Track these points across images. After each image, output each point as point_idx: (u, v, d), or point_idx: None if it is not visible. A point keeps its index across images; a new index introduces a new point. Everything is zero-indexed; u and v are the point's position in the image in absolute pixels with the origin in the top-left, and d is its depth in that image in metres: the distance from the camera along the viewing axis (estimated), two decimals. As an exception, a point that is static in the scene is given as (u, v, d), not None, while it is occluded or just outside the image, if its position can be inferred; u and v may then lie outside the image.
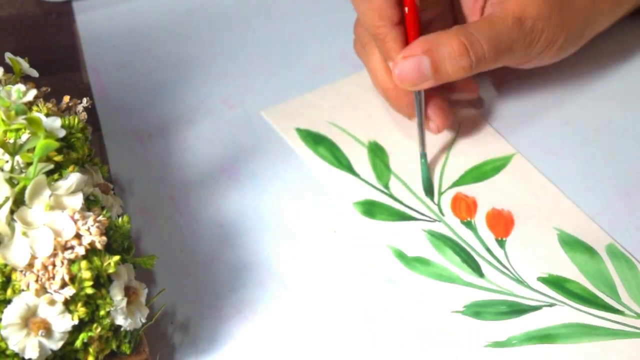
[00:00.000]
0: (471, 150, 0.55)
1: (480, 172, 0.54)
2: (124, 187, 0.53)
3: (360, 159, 0.55)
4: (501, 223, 0.51)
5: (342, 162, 0.54)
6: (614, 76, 0.61)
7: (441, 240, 0.50)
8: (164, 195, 0.53)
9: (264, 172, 0.54)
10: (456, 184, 0.53)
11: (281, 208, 0.52)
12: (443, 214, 0.51)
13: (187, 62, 0.62)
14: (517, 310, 0.46)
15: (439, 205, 0.52)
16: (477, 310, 0.47)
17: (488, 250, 0.49)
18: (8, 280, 0.38)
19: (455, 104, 0.58)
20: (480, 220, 0.51)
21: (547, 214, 0.51)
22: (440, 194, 0.53)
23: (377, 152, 0.55)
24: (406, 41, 0.51)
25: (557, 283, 0.48)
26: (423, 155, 0.54)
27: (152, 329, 0.45)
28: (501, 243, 0.50)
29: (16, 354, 0.38)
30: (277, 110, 0.58)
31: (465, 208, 0.52)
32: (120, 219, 0.42)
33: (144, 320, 0.41)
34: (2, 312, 0.38)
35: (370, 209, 0.52)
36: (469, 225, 0.51)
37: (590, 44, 0.61)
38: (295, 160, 0.55)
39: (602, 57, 0.62)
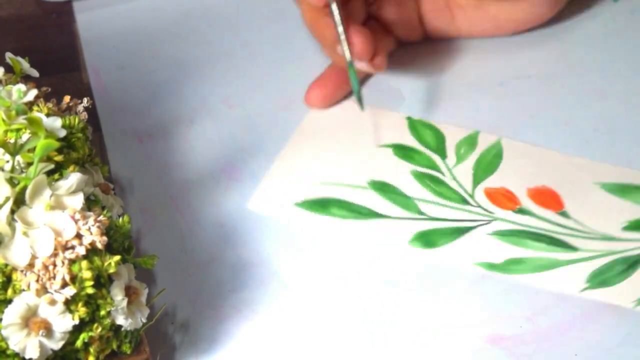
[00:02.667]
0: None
1: (486, 165, 0.53)
2: (125, 187, 0.53)
3: (377, 201, 0.52)
4: (548, 198, 0.50)
5: (362, 212, 0.51)
6: (614, 76, 0.61)
7: (513, 235, 0.48)
8: (164, 195, 0.53)
9: (264, 172, 0.54)
10: (476, 182, 0.52)
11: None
12: (492, 212, 0.50)
13: (187, 62, 0.62)
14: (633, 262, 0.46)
15: (480, 206, 0.51)
16: (602, 271, 0.47)
17: (559, 225, 0.48)
18: (8, 280, 0.38)
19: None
20: (528, 203, 0.50)
21: (579, 176, 0.51)
22: (472, 196, 0.51)
23: (384, 188, 0.52)
24: None
25: None
26: (350, 64, 0.53)
27: (152, 328, 0.45)
28: (565, 214, 0.49)
29: (17, 354, 0.38)
30: (260, 196, 0.52)
31: (506, 198, 0.50)
32: (120, 219, 0.42)
33: (144, 320, 0.41)
34: (2, 312, 0.38)
35: (428, 239, 0.49)
36: (523, 212, 0.50)
37: (591, 44, 0.61)
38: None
39: (602, 57, 0.62)
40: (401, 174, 0.53)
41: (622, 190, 0.50)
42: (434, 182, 0.52)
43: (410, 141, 0.55)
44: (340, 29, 0.52)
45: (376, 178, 0.53)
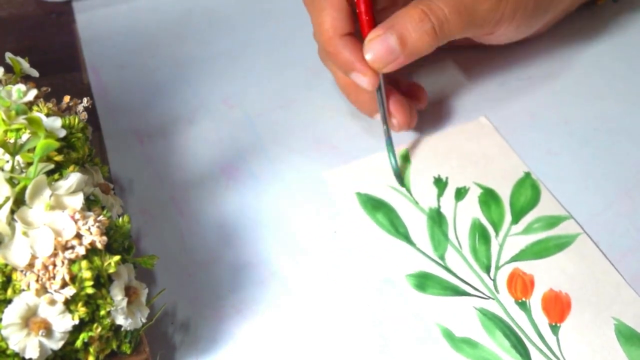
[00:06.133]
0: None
1: (542, 248, 0.51)
2: (124, 187, 0.53)
3: (418, 227, 0.52)
4: (557, 307, 0.48)
5: (399, 230, 0.52)
6: (614, 76, 0.61)
7: (492, 320, 0.47)
8: (164, 195, 0.53)
9: (264, 172, 0.54)
10: (515, 258, 0.50)
11: (281, 208, 0.52)
12: (498, 291, 0.49)
13: (187, 62, 0.62)
14: None
15: (494, 280, 0.49)
16: None
17: (540, 335, 0.47)
18: (8, 280, 0.38)
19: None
20: (535, 301, 0.48)
21: (606, 302, 0.48)
22: (498, 268, 0.50)
23: (436, 220, 0.52)
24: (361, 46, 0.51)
25: None
26: (388, 140, 0.53)
27: (152, 328, 0.45)
28: (555, 329, 0.47)
29: (16, 354, 0.38)
30: (339, 172, 0.55)
31: (521, 286, 0.49)
32: (120, 219, 0.42)
33: (144, 320, 0.41)
34: (2, 312, 0.38)
35: (423, 282, 0.49)
36: (523, 306, 0.48)
37: (591, 44, 0.61)
38: (294, 161, 0.55)
39: (602, 57, 0.62)
40: (463, 216, 0.53)
41: (629, 338, 0.46)
42: (482, 239, 0.51)
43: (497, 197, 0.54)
44: (383, 111, 0.53)
45: (436, 207, 0.53)
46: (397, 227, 0.52)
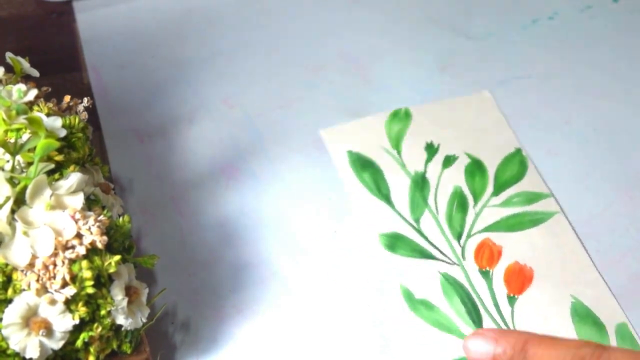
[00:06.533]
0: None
1: (517, 222, 0.52)
2: (125, 187, 0.53)
3: (400, 189, 0.53)
4: (519, 279, 0.49)
5: (382, 190, 0.53)
6: (614, 76, 0.61)
7: (453, 286, 0.48)
8: (164, 195, 0.53)
9: (264, 172, 0.54)
10: (488, 228, 0.51)
11: (281, 208, 0.52)
12: (464, 259, 0.50)
13: (187, 62, 0.62)
14: None
15: (463, 248, 0.50)
16: None
17: (496, 305, 0.48)
18: (9, 279, 0.38)
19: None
20: (499, 271, 0.49)
21: (569, 280, 0.49)
22: (469, 236, 0.51)
23: (419, 184, 0.53)
24: None
25: None
26: None
27: (152, 328, 0.45)
28: (512, 300, 0.48)
29: (17, 354, 0.38)
30: (336, 131, 0.56)
31: (488, 256, 0.50)
32: (121, 219, 0.42)
33: (144, 320, 0.41)
34: (3, 311, 0.38)
35: (394, 242, 0.50)
36: (486, 275, 0.49)
37: (591, 44, 0.61)
38: (294, 161, 0.55)
39: (602, 57, 0.62)
40: (447, 183, 0.54)
41: (582, 317, 0.47)
42: (459, 206, 0.52)
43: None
44: None
45: (422, 171, 0.54)
46: (380, 188, 0.53)
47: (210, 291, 0.48)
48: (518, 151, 0.55)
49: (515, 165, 0.55)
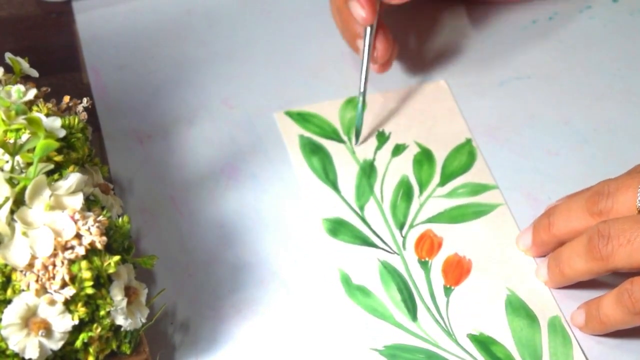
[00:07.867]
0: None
1: (460, 214, 0.52)
2: (124, 187, 0.53)
3: (348, 176, 0.54)
4: (457, 270, 0.49)
5: (329, 176, 0.54)
6: (614, 76, 0.61)
7: (391, 274, 0.49)
8: (164, 195, 0.53)
9: (264, 172, 0.54)
10: (431, 220, 0.52)
11: (281, 208, 0.52)
12: (405, 249, 0.50)
13: (187, 62, 0.62)
14: None
15: (404, 238, 0.51)
16: (395, 354, 0.45)
17: (432, 295, 0.48)
18: (8, 280, 0.38)
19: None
20: (437, 262, 0.50)
21: (507, 273, 0.49)
22: (412, 226, 0.51)
23: (367, 172, 0.54)
24: None
25: (484, 343, 0.46)
26: (362, 94, 0.54)
27: (152, 329, 0.45)
28: (448, 291, 0.48)
29: (16, 354, 0.38)
30: (290, 114, 0.57)
31: (428, 247, 0.50)
32: (120, 219, 0.42)
33: (144, 320, 0.41)
34: (2, 312, 0.38)
35: (337, 228, 0.51)
36: (424, 265, 0.49)
37: (591, 44, 0.61)
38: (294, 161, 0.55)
39: (602, 57, 0.62)
40: (394, 171, 0.54)
41: (516, 309, 0.47)
42: (404, 196, 0.53)
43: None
44: (365, 59, 0.54)
45: (370, 159, 0.55)
46: (327, 174, 0.54)
47: (210, 291, 0.48)
48: (468, 141, 0.56)
49: (464, 156, 0.55)
